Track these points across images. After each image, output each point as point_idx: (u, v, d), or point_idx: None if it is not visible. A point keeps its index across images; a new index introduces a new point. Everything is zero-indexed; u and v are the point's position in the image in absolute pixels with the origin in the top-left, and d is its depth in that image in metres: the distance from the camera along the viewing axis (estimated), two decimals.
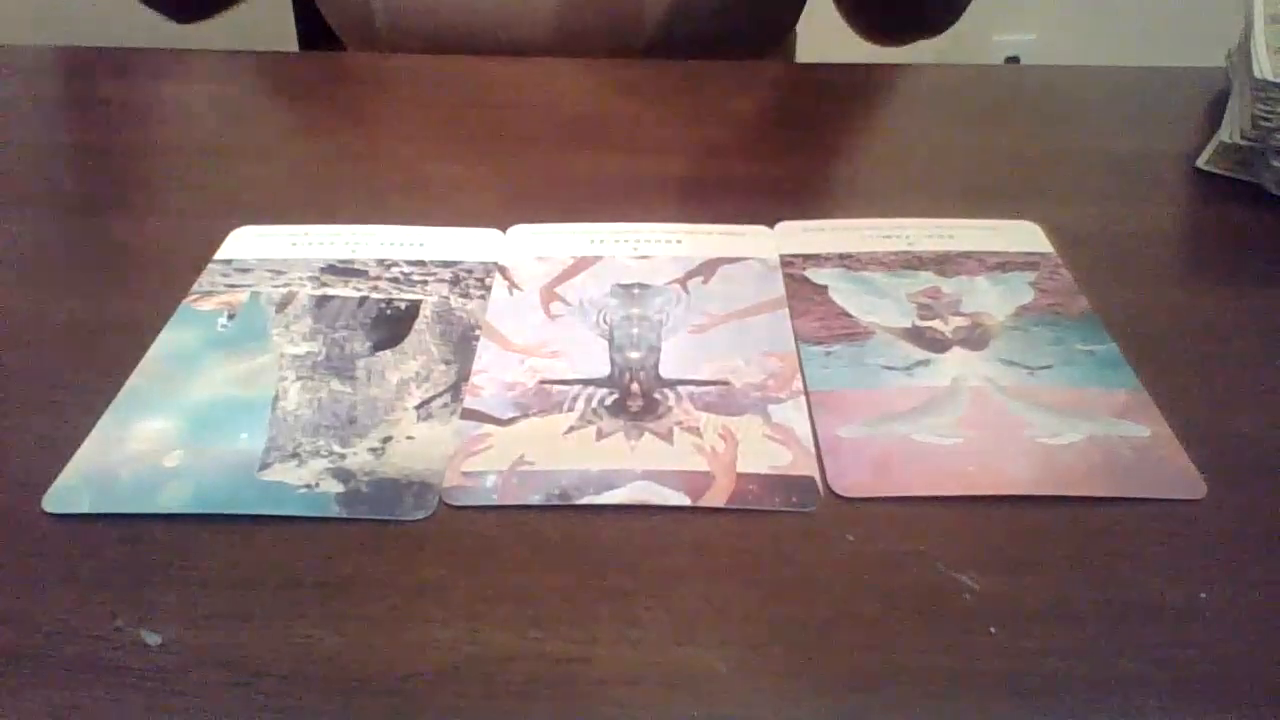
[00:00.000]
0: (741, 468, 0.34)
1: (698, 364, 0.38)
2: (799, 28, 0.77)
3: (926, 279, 0.43)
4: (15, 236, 0.46)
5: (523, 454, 0.35)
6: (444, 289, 0.42)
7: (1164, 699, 0.28)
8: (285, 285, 0.43)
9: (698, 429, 0.36)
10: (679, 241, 0.45)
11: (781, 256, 0.45)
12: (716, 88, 0.60)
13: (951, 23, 0.67)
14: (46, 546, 0.32)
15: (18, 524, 0.32)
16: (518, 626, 0.29)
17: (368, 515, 0.33)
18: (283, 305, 0.41)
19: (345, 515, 0.32)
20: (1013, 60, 1.75)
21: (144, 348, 0.39)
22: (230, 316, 0.41)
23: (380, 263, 0.44)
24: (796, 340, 0.40)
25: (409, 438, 0.35)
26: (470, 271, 0.44)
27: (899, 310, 0.41)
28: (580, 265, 0.44)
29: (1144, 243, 0.46)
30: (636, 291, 0.42)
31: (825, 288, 0.43)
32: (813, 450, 0.35)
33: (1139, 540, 0.32)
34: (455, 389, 0.37)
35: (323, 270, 0.43)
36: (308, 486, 0.33)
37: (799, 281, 0.43)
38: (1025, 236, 0.46)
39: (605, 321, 0.41)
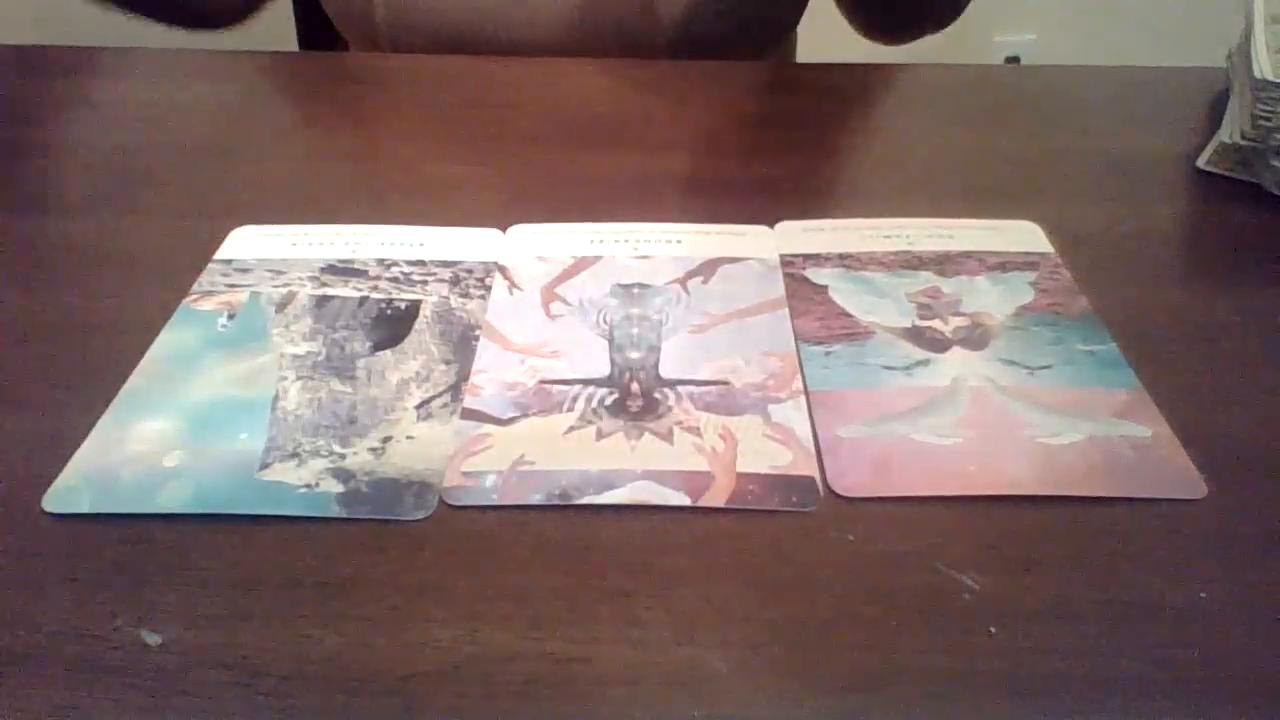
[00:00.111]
0: (741, 468, 0.34)
1: (698, 364, 0.38)
2: (799, 28, 0.77)
3: (926, 279, 0.43)
4: (15, 236, 0.46)
5: (523, 454, 0.35)
6: (444, 289, 0.42)
7: (1164, 699, 0.28)
8: (285, 285, 0.43)
9: (698, 429, 0.36)
10: (679, 241, 0.45)
11: (781, 256, 0.45)
12: (716, 88, 0.60)
13: (952, 20, 0.67)
14: (46, 546, 0.32)
15: (18, 524, 0.32)
16: (518, 626, 0.29)
17: (368, 515, 0.33)
18: (283, 305, 0.41)
19: (345, 515, 0.32)
20: (1013, 60, 1.75)
21: (144, 348, 0.39)
22: (230, 316, 0.41)
23: (380, 263, 0.44)
24: (796, 340, 0.40)
25: (409, 438, 0.35)
26: (470, 271, 0.44)
27: (899, 310, 0.41)
28: (580, 265, 0.44)
29: (1144, 243, 0.46)
30: (636, 291, 0.42)
31: (825, 288, 0.43)
32: (813, 450, 0.35)
33: (1139, 540, 0.32)
34: (455, 389, 0.37)
35: (323, 270, 0.43)
36: (308, 486, 0.33)
37: (799, 281, 0.43)
38: (1025, 236, 0.46)
39: (605, 321, 0.41)
